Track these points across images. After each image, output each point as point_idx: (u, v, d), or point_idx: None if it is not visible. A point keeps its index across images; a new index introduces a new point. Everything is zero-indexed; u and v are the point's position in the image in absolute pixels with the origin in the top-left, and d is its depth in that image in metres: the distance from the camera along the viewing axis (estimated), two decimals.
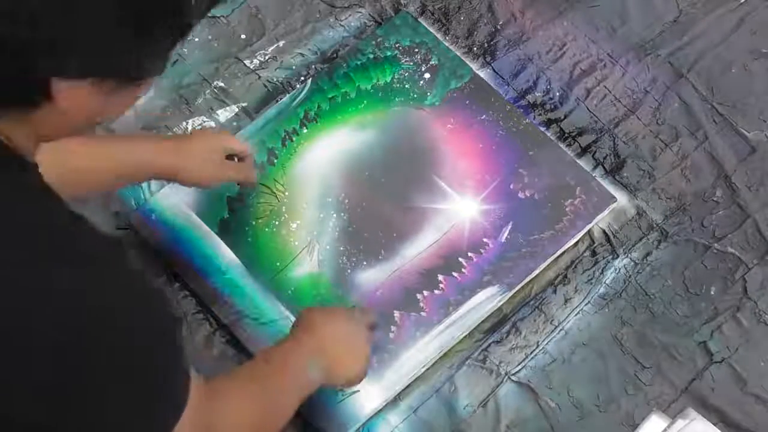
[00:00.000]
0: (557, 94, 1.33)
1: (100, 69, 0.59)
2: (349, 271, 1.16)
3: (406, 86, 1.28)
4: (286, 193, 1.20)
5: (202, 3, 0.61)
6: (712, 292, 1.21)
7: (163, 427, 0.66)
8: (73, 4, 0.55)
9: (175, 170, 1.03)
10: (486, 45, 1.35)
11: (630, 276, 1.21)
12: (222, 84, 1.29)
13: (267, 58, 1.32)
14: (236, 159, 1.11)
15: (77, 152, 0.92)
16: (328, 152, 1.23)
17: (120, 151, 1.00)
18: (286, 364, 0.93)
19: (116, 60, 0.60)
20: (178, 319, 0.68)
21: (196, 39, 1.31)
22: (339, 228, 1.18)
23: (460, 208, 1.20)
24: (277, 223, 1.18)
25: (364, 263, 1.16)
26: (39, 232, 0.61)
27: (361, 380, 1.02)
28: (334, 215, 1.19)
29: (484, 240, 1.19)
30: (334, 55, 1.32)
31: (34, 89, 0.58)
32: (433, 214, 1.20)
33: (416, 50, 1.31)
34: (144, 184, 1.19)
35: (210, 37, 1.32)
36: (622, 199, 1.25)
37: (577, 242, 1.21)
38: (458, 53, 1.32)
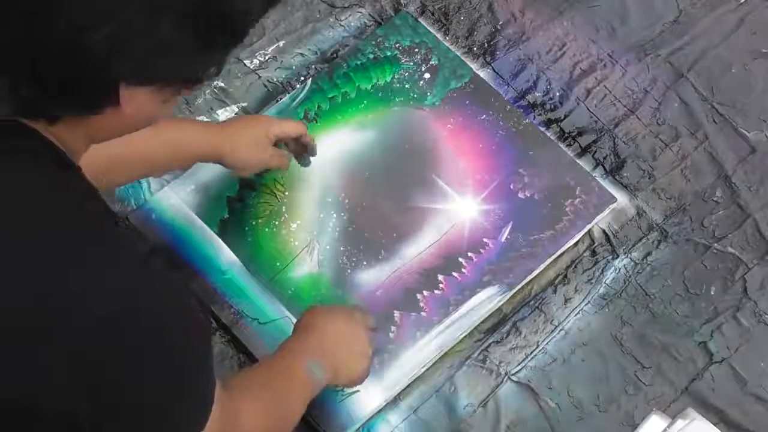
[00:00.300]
0: (557, 94, 1.33)
1: (169, 75, 0.62)
2: (349, 271, 1.16)
3: (406, 86, 1.28)
4: (286, 193, 1.20)
5: (260, 10, 0.62)
6: (712, 292, 1.21)
7: (191, 427, 0.67)
8: (153, 14, 0.56)
9: (220, 155, 1.06)
10: (486, 45, 1.35)
11: (630, 276, 1.21)
12: (222, 84, 1.29)
13: (267, 58, 1.32)
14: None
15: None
16: (328, 152, 1.23)
17: (169, 133, 1.01)
18: (291, 367, 0.93)
19: (184, 67, 0.62)
20: (209, 325, 0.69)
21: None
22: (339, 228, 1.18)
23: (460, 208, 1.20)
24: (277, 223, 1.18)
25: (364, 263, 1.16)
26: (88, 232, 0.62)
27: (363, 379, 1.02)
28: (334, 215, 1.19)
29: (484, 240, 1.19)
30: (334, 55, 1.32)
31: (101, 95, 0.60)
32: (433, 214, 1.20)
33: (416, 50, 1.31)
34: (144, 184, 1.19)
35: None
36: (622, 199, 1.25)
37: (577, 242, 1.22)
38: (458, 53, 1.32)
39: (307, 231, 1.18)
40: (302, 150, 1.18)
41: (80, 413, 0.59)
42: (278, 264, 1.16)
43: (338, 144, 1.24)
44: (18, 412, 0.58)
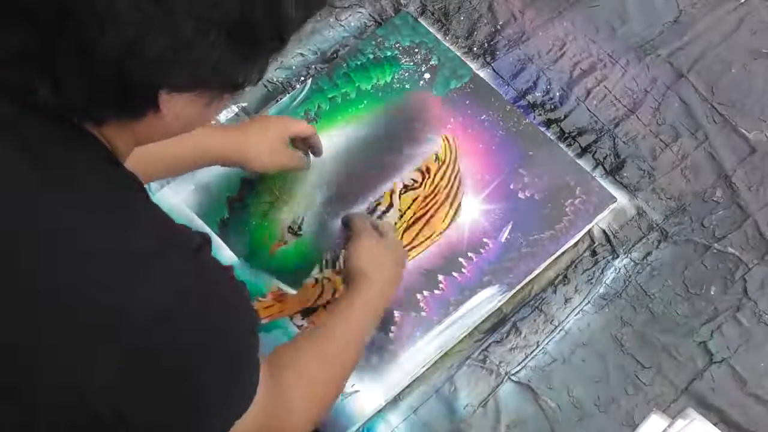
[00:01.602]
0: (557, 94, 1.33)
1: (209, 82, 0.63)
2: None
3: (406, 86, 1.28)
4: (284, 198, 1.20)
5: (302, 17, 0.63)
6: (712, 292, 1.21)
7: (240, 409, 0.69)
8: (200, 27, 0.57)
9: (244, 160, 1.08)
10: (486, 45, 1.35)
11: (630, 276, 1.21)
12: None
13: None
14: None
15: None
16: (328, 152, 1.23)
17: (192, 139, 1.01)
18: (343, 330, 0.94)
19: (224, 74, 0.62)
20: (256, 312, 0.72)
21: None
22: (325, 199, 1.18)
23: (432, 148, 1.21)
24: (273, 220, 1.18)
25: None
26: (145, 227, 0.64)
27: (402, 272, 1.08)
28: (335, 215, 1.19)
29: (484, 240, 1.19)
30: (334, 55, 1.32)
31: (143, 100, 0.61)
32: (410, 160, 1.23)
33: (416, 50, 1.31)
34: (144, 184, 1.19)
35: None
36: (622, 199, 1.25)
37: (577, 242, 1.22)
38: (458, 53, 1.32)
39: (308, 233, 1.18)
40: (306, 150, 1.19)
41: (132, 413, 0.60)
42: (278, 264, 1.16)
43: (338, 144, 1.24)
44: (75, 413, 0.59)
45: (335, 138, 1.24)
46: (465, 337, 1.15)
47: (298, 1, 0.61)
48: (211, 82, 0.63)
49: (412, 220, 1.20)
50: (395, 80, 1.29)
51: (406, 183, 1.22)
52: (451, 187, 1.22)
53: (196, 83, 0.62)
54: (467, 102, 1.28)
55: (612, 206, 1.23)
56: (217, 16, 0.57)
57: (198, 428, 0.65)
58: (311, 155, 1.20)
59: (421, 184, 1.22)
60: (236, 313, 0.68)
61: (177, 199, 1.18)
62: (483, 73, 1.31)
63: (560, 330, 1.17)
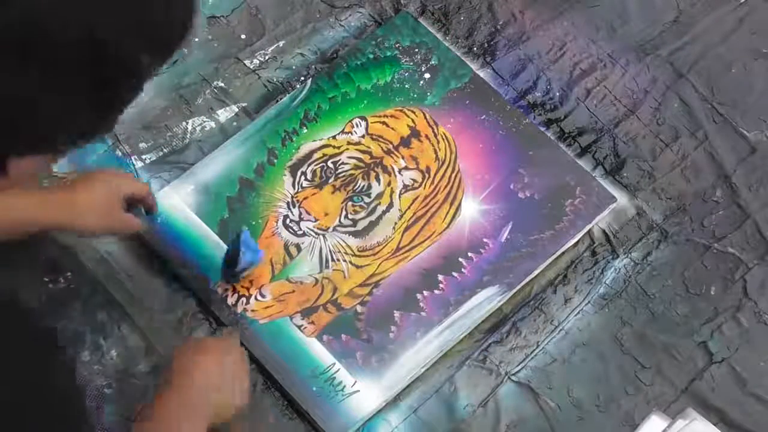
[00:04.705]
0: (557, 94, 1.33)
1: (65, 143, 0.61)
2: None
3: (406, 86, 1.28)
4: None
5: (159, 67, 0.61)
6: (712, 292, 1.21)
7: None
8: (64, 95, 0.55)
9: (65, 225, 1.00)
10: (486, 45, 1.35)
11: (630, 276, 1.21)
12: (222, 84, 1.29)
13: (267, 58, 1.32)
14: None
15: None
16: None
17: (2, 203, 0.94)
18: (173, 421, 0.89)
19: (81, 131, 0.61)
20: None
21: (196, 39, 1.31)
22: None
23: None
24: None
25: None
26: None
27: (245, 403, 0.98)
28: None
29: (484, 240, 1.19)
30: (334, 55, 1.32)
31: None
32: None
33: (416, 50, 1.31)
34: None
35: (210, 37, 1.32)
36: (622, 199, 1.25)
37: (577, 242, 1.22)
38: (458, 53, 1.32)
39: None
40: (142, 210, 1.12)
41: None
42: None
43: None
44: None
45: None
46: (465, 337, 1.15)
47: (151, 48, 0.59)
48: (65, 144, 0.61)
49: (412, 220, 1.20)
50: (395, 80, 1.29)
51: (406, 183, 1.22)
52: (451, 187, 1.22)
53: (52, 146, 0.60)
54: (467, 102, 1.28)
55: (612, 206, 1.23)
56: (76, 81, 0.55)
57: None
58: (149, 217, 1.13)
59: (421, 184, 1.22)
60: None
61: (177, 199, 1.18)
62: (483, 73, 1.31)
63: (560, 330, 1.17)
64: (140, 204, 1.09)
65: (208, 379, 0.93)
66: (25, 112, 0.55)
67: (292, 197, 1.20)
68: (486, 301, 1.16)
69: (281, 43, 1.33)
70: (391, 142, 1.24)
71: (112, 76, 0.57)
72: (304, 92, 1.27)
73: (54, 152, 0.61)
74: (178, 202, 1.18)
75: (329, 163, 1.22)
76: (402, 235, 1.19)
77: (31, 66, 0.53)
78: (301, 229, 1.18)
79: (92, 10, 0.54)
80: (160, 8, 0.58)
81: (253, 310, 1.13)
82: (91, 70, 0.55)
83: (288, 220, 1.19)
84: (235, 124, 1.26)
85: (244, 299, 1.14)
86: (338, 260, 1.17)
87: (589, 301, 1.19)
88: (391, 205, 1.20)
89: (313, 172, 1.21)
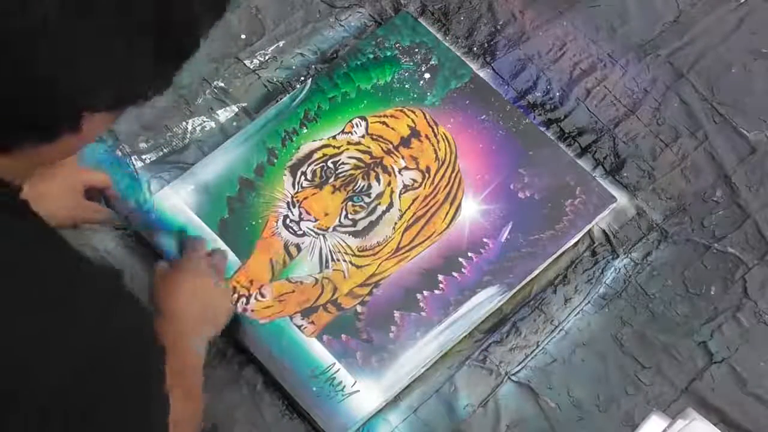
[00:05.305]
0: (557, 94, 1.33)
1: (131, 99, 0.62)
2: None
3: (406, 86, 1.28)
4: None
5: (209, 22, 0.63)
6: (712, 292, 1.21)
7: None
8: (128, 39, 0.57)
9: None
10: (486, 45, 1.35)
11: (630, 276, 1.21)
12: (222, 84, 1.29)
13: (267, 58, 1.32)
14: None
15: None
16: None
17: None
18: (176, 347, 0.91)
19: (143, 88, 0.62)
20: (162, 348, 0.70)
21: None
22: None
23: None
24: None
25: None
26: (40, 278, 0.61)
27: (229, 317, 1.05)
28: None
29: (484, 240, 1.19)
30: (334, 55, 1.32)
31: (65, 126, 0.60)
32: None
33: (416, 50, 1.31)
34: (144, 185, 1.19)
35: (210, 37, 1.31)
36: (622, 199, 1.25)
37: (577, 242, 1.22)
38: (458, 53, 1.32)
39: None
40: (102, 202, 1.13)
41: None
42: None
43: None
44: None
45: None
46: (465, 337, 1.15)
47: (204, 1, 0.61)
48: (131, 97, 0.62)
49: (412, 220, 1.20)
50: (395, 80, 1.29)
51: (406, 183, 1.22)
52: (451, 187, 1.22)
53: (120, 101, 0.61)
54: (467, 102, 1.28)
55: (612, 206, 1.23)
56: (137, 25, 0.57)
57: None
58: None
59: (421, 184, 1.22)
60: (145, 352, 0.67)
61: (177, 199, 1.18)
62: (483, 73, 1.31)
63: (560, 330, 1.17)
64: (102, 194, 1.11)
65: (185, 300, 0.99)
66: (96, 60, 0.56)
67: (292, 197, 1.20)
68: (486, 301, 1.16)
69: (281, 43, 1.33)
70: (391, 142, 1.24)
71: (175, 21, 0.59)
72: (304, 92, 1.27)
73: (119, 107, 0.62)
74: (178, 202, 1.18)
75: (329, 163, 1.22)
76: (402, 235, 1.19)
77: (100, 10, 0.55)
78: (301, 229, 1.18)
79: None
80: None
81: (253, 310, 1.13)
82: (155, 15, 0.57)
83: (288, 220, 1.19)
84: (235, 124, 1.26)
85: (244, 299, 1.14)
86: (338, 260, 1.17)
87: (589, 301, 1.19)
88: (391, 205, 1.20)
89: (313, 172, 1.21)
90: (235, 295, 1.13)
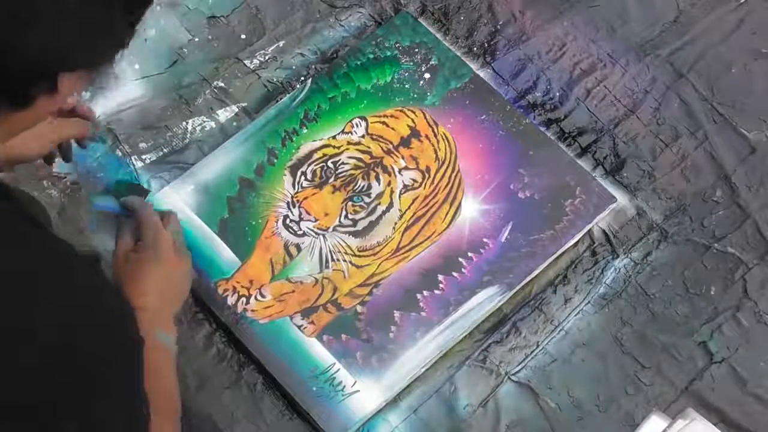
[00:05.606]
0: (557, 94, 1.33)
1: (109, 55, 0.63)
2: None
3: (406, 86, 1.28)
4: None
5: None
6: (712, 292, 1.21)
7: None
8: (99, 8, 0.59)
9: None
10: (486, 45, 1.35)
11: (630, 276, 1.21)
12: (222, 84, 1.29)
13: (267, 58, 1.32)
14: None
15: None
16: None
17: None
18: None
19: (118, 41, 0.63)
20: (140, 340, 0.70)
21: (196, 39, 1.31)
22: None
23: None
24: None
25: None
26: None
27: (190, 284, 1.02)
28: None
29: (484, 240, 1.19)
30: (334, 55, 1.32)
31: (41, 87, 0.60)
32: None
33: (416, 50, 1.31)
34: (144, 184, 1.19)
35: (210, 37, 1.32)
36: (622, 199, 1.25)
37: (577, 242, 1.22)
38: (458, 53, 1.32)
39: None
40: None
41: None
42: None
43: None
44: None
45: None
46: (465, 337, 1.15)
47: None
48: (107, 53, 0.63)
49: (412, 220, 1.20)
50: (395, 80, 1.29)
51: (406, 183, 1.22)
52: (451, 187, 1.22)
53: (98, 61, 0.62)
54: (467, 102, 1.28)
55: (612, 206, 1.23)
56: None
57: None
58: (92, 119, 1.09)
59: (421, 184, 1.22)
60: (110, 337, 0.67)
61: (177, 199, 1.18)
62: (483, 73, 1.31)
63: (560, 330, 1.17)
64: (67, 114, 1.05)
65: (153, 284, 0.94)
66: (69, 18, 0.57)
67: (292, 197, 1.20)
68: (486, 301, 1.16)
69: (281, 43, 1.33)
70: (391, 142, 1.24)
71: None
72: (304, 92, 1.27)
73: (95, 65, 0.63)
74: (178, 202, 1.18)
75: (329, 163, 1.22)
76: (402, 235, 1.19)
77: None
78: (301, 229, 1.18)
79: None
80: None
81: (253, 310, 1.13)
82: None
83: (288, 220, 1.19)
84: (235, 124, 1.26)
85: (244, 299, 1.14)
86: (338, 260, 1.17)
87: (589, 301, 1.19)
88: (391, 205, 1.20)
89: (313, 172, 1.21)
90: (235, 295, 1.13)
